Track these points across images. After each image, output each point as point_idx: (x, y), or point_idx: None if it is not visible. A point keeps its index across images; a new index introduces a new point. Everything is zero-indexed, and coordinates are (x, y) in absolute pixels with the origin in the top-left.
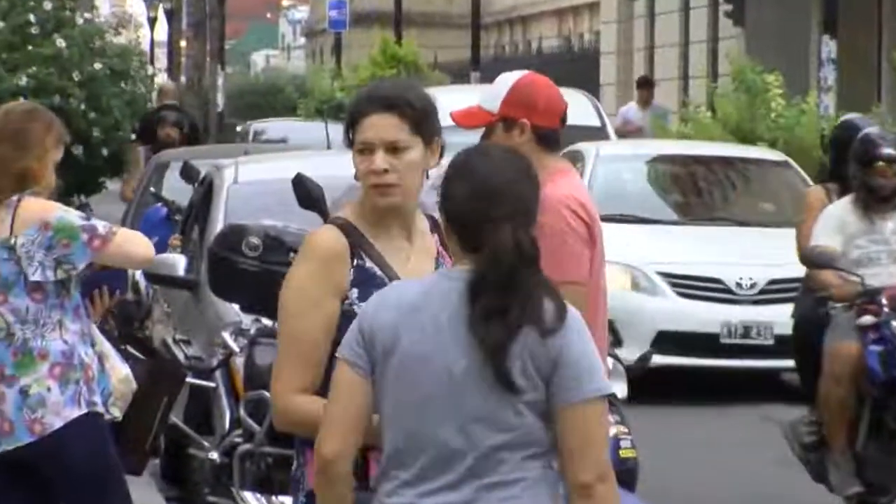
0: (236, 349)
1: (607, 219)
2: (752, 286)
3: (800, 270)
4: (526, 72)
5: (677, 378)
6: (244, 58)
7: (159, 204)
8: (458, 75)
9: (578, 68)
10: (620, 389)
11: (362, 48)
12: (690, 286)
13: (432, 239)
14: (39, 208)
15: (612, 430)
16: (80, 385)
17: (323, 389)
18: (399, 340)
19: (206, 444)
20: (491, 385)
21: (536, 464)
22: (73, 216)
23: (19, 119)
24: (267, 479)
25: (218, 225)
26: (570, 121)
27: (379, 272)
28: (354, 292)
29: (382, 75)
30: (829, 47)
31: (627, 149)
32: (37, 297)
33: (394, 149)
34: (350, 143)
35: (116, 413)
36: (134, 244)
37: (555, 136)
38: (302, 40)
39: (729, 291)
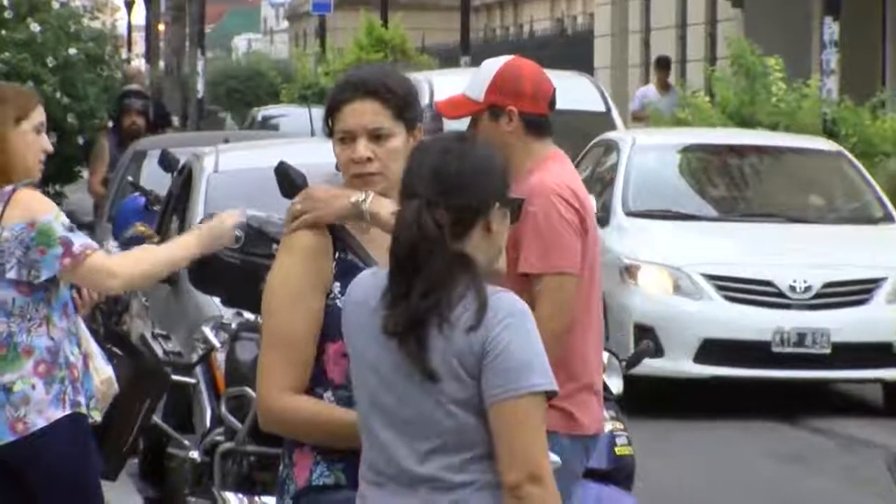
0: (217, 344)
1: (645, 215)
2: (807, 289)
3: (860, 272)
4: (510, 56)
5: (725, 391)
6: (225, 42)
7: (137, 193)
8: (447, 59)
9: (572, 51)
10: (615, 385)
11: (347, 31)
12: (739, 289)
13: None
14: (33, 205)
15: (608, 427)
16: (65, 384)
17: (311, 386)
18: (349, 338)
19: (185, 442)
20: (416, 382)
21: (484, 466)
22: (57, 225)
23: None
24: (249, 479)
25: (198, 215)
26: (574, 106)
27: (361, 264)
28: (337, 286)
29: (368, 59)
30: (832, 29)
31: (666, 138)
32: (23, 290)
33: (376, 136)
34: (329, 132)
35: (97, 416)
36: (104, 273)
37: (544, 121)
38: (285, 24)
39: (781, 295)
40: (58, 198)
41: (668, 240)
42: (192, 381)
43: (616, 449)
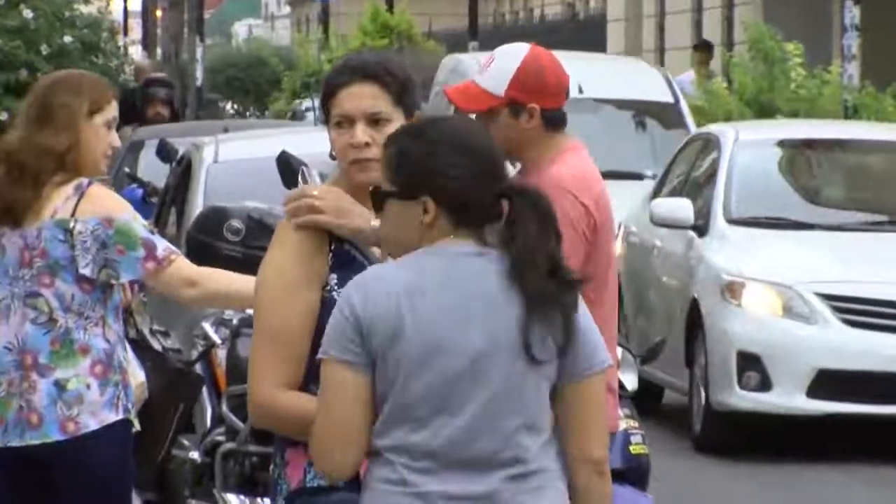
0: (218, 340)
1: (751, 223)
2: None
3: None
4: (527, 46)
5: (843, 429)
6: (225, 29)
7: (134, 185)
8: (455, 45)
9: (584, 37)
10: (630, 381)
11: (351, 17)
12: (859, 311)
13: None
14: (108, 202)
15: (622, 425)
16: (118, 388)
17: (305, 382)
18: (405, 326)
19: (185, 442)
20: (514, 364)
21: (553, 451)
22: (137, 226)
23: (42, 92)
24: (251, 480)
25: (197, 207)
26: (639, 96)
27: (358, 256)
28: (333, 278)
29: (373, 46)
30: (853, 13)
31: (775, 132)
32: (85, 287)
33: (375, 121)
34: (326, 117)
35: (137, 425)
36: (184, 280)
37: (562, 114)
38: (287, 9)
39: None
40: None
41: (777, 253)
42: None
43: (630, 447)
